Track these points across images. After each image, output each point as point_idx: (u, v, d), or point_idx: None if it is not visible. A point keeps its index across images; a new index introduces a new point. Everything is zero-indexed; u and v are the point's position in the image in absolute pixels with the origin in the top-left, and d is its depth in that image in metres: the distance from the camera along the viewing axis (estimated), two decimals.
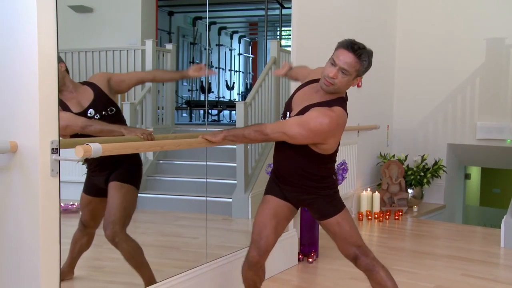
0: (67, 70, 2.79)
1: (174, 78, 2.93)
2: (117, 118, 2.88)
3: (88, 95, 2.82)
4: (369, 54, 2.46)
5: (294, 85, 4.01)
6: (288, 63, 3.11)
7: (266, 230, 2.64)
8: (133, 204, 2.91)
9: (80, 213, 3.01)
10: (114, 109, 2.86)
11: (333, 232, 2.61)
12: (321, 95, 2.51)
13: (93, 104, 2.80)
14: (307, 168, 2.56)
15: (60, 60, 2.51)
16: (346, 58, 2.40)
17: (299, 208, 2.82)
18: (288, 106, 2.62)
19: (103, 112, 2.81)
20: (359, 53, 2.42)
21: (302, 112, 2.48)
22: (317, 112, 2.42)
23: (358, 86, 2.29)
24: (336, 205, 2.62)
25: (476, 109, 6.52)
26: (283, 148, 2.59)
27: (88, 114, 2.79)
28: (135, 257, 2.84)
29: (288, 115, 2.57)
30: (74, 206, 3.53)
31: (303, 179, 2.59)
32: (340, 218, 2.59)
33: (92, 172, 2.95)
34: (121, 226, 2.77)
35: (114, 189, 2.81)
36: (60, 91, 2.52)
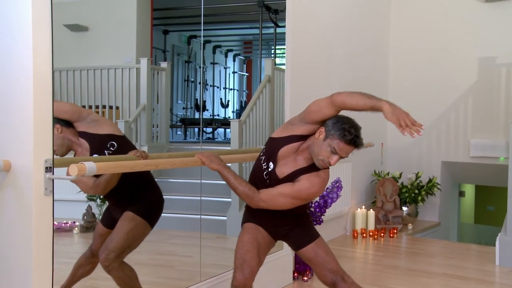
0: (71, 125, 2.77)
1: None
2: (123, 148, 2.80)
3: (85, 145, 2.78)
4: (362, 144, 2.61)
5: (288, 104, 4.03)
6: None
7: (249, 254, 2.64)
8: (139, 238, 2.88)
9: (92, 241, 2.98)
10: (114, 143, 2.79)
11: (310, 259, 2.69)
12: (306, 157, 2.59)
13: (92, 150, 2.76)
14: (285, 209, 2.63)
15: (55, 123, 2.47)
16: (348, 150, 2.54)
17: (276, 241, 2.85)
18: (273, 157, 2.62)
19: (105, 151, 2.76)
20: (359, 146, 2.56)
21: (290, 177, 2.56)
22: (308, 182, 2.54)
23: None
24: (310, 233, 2.72)
25: (469, 127, 6.56)
26: (258, 181, 2.67)
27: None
28: (129, 284, 2.82)
29: (272, 167, 2.61)
30: (68, 224, 3.51)
31: (280, 216, 2.67)
32: (316, 245, 2.68)
33: (112, 205, 2.95)
34: (117, 255, 2.74)
35: (125, 218, 2.80)
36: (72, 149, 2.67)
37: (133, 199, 2.84)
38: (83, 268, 2.96)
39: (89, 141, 2.76)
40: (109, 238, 2.77)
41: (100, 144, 2.75)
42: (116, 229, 2.79)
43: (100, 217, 2.96)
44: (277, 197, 2.53)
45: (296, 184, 2.54)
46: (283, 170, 2.59)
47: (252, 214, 2.76)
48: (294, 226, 2.72)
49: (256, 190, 2.56)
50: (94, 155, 2.74)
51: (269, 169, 2.62)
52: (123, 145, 2.82)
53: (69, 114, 2.76)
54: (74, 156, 2.79)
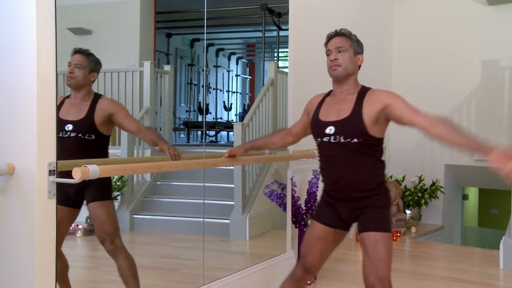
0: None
1: (156, 144, 2.95)
2: (95, 144, 2.84)
3: (80, 111, 2.83)
4: (350, 32, 2.69)
5: (291, 107, 4.03)
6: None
7: (311, 253, 2.63)
8: (116, 216, 2.95)
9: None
10: (93, 136, 2.82)
11: (366, 247, 2.47)
12: (346, 93, 2.54)
13: (76, 123, 2.79)
14: (365, 170, 2.50)
15: (95, 70, 2.79)
16: (334, 40, 2.62)
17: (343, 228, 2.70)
18: (322, 124, 2.54)
19: (80, 134, 2.79)
20: (342, 32, 2.66)
21: (354, 112, 2.46)
22: (380, 94, 2.51)
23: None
24: (383, 223, 2.50)
25: (472, 129, 6.53)
26: (336, 168, 2.54)
27: (66, 128, 2.78)
28: (132, 269, 2.86)
29: (330, 129, 2.50)
30: (71, 228, 3.51)
31: (362, 187, 2.50)
32: (381, 237, 2.45)
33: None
34: (118, 237, 2.84)
35: (96, 208, 2.84)
36: (73, 90, 2.73)
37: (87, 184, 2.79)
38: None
39: (86, 114, 2.83)
40: (99, 228, 2.83)
41: (86, 125, 2.81)
42: (100, 219, 2.84)
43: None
44: (413, 110, 2.44)
45: (387, 105, 2.43)
46: (342, 114, 2.49)
47: (328, 203, 2.62)
48: (372, 207, 2.50)
49: (443, 122, 2.37)
50: (68, 125, 2.77)
51: (332, 131, 2.50)
52: (96, 145, 2.87)
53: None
54: (62, 107, 2.82)
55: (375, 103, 2.46)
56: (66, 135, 2.77)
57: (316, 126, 2.59)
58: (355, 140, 2.45)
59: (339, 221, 2.61)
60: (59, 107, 2.76)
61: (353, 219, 2.59)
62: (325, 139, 2.52)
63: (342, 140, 2.47)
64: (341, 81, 2.55)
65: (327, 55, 2.61)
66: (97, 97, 2.88)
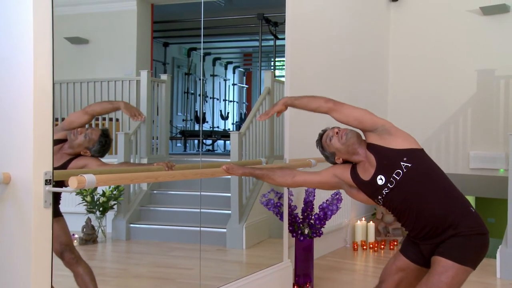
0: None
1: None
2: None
3: (59, 161, 2.84)
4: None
5: (288, 116, 4.04)
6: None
7: (388, 281, 2.58)
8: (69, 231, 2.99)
9: None
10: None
11: (431, 271, 2.32)
12: (363, 155, 2.56)
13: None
14: (426, 190, 2.41)
15: (93, 150, 2.85)
16: (328, 131, 2.69)
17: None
18: (369, 182, 2.52)
19: None
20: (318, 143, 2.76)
21: (380, 153, 2.49)
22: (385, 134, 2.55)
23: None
24: (463, 253, 2.31)
25: (468, 139, 6.56)
26: (400, 204, 2.44)
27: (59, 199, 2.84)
28: (91, 276, 2.90)
29: (380, 178, 2.47)
30: None
31: (444, 209, 2.36)
32: (451, 268, 2.27)
33: None
34: (74, 247, 2.90)
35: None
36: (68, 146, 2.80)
37: None
38: None
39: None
40: (56, 242, 2.83)
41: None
42: (56, 232, 2.82)
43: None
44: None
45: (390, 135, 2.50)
46: (374, 163, 2.50)
47: (412, 241, 2.53)
48: (455, 236, 2.32)
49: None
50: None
51: (382, 180, 2.45)
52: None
53: None
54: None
55: (366, 137, 2.58)
56: None
57: (368, 187, 2.53)
58: (403, 164, 2.39)
59: (423, 259, 2.49)
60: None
61: (434, 253, 2.40)
62: (384, 191, 2.45)
63: (398, 178, 2.40)
64: (356, 149, 2.56)
65: (329, 140, 2.63)
66: (78, 155, 2.92)
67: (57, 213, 2.89)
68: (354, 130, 2.61)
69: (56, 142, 2.82)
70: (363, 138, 2.61)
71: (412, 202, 2.40)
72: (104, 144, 2.93)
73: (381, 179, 2.44)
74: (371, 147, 2.52)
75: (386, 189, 2.44)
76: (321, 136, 2.72)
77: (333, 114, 2.61)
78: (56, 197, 2.91)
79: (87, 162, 2.90)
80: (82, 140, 2.88)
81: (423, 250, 2.46)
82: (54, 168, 2.76)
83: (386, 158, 2.44)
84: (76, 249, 2.94)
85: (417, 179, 2.40)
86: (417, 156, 2.44)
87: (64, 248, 2.87)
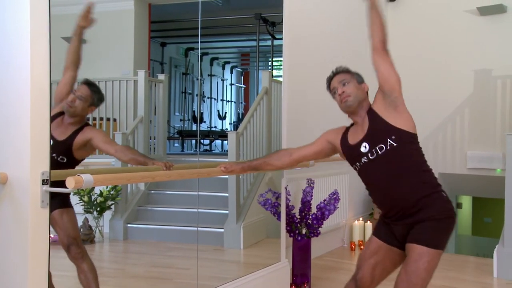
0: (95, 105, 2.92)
1: (138, 162, 2.98)
2: (63, 165, 2.85)
3: (62, 134, 2.86)
4: (347, 67, 2.74)
5: (285, 116, 4.04)
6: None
7: (364, 267, 2.59)
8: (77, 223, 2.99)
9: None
10: (65, 159, 2.85)
11: (408, 259, 2.37)
12: (363, 118, 2.56)
13: (56, 142, 2.79)
14: (412, 178, 2.45)
15: (95, 104, 2.85)
16: (336, 78, 2.64)
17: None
18: (354, 146, 2.55)
19: (53, 154, 2.80)
20: (341, 69, 2.70)
21: (377, 123, 2.50)
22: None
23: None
24: (436, 238, 2.37)
25: (466, 138, 6.57)
26: (384, 184, 2.48)
27: (58, 158, 2.80)
28: (94, 274, 2.89)
29: (364, 147, 2.50)
30: None
31: (413, 198, 2.41)
32: (427, 254, 2.33)
33: None
34: (81, 242, 2.89)
35: (60, 214, 2.85)
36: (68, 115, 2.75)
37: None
38: None
39: (68, 137, 2.84)
40: (63, 234, 2.86)
41: (62, 147, 2.81)
42: (62, 225, 2.86)
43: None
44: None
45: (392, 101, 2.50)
46: (365, 129, 2.53)
47: (384, 222, 2.57)
48: (426, 220, 2.38)
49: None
50: (56, 154, 2.75)
51: (366, 148, 2.49)
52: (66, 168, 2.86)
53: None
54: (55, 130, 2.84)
55: (377, 97, 2.56)
56: None
57: (351, 151, 2.58)
58: (389, 141, 2.42)
59: (395, 240, 2.53)
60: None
61: (406, 236, 2.45)
62: (363, 160, 2.50)
63: (379, 151, 2.44)
64: (356, 110, 2.57)
65: (333, 93, 2.63)
66: (84, 125, 2.91)
67: (65, 203, 2.90)
68: (359, 90, 2.60)
69: (56, 116, 2.83)
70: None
71: (384, 180, 2.46)
72: (98, 90, 2.91)
73: (365, 146, 2.49)
74: (371, 113, 2.54)
75: (365, 158, 2.48)
76: (330, 78, 2.69)
77: (374, 55, 2.67)
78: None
79: (92, 135, 2.87)
80: (81, 103, 2.84)
81: (395, 231, 2.50)
82: (60, 141, 2.79)
83: (378, 129, 2.48)
84: (83, 245, 2.91)
85: (395, 159, 2.43)
86: (406, 139, 2.46)
87: (71, 242, 2.86)
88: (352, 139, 2.58)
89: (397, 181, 2.44)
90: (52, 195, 2.68)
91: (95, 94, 2.90)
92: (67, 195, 2.93)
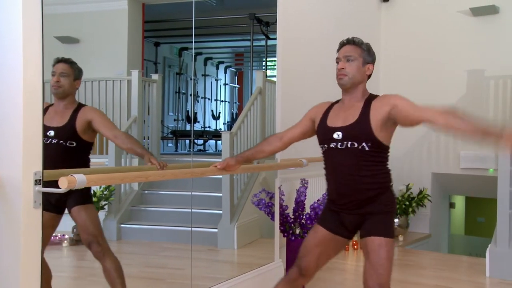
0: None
1: (136, 152, 2.94)
2: (76, 151, 2.85)
3: (62, 118, 2.85)
4: (363, 42, 2.65)
5: (279, 116, 4.04)
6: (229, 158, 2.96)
7: (308, 256, 2.62)
8: (99, 219, 2.96)
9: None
10: (74, 143, 2.83)
11: (368, 252, 2.48)
12: (355, 101, 2.55)
13: (58, 129, 2.80)
14: (371, 176, 2.51)
15: (79, 77, 2.80)
16: (345, 49, 2.60)
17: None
18: (330, 130, 2.55)
19: (61, 141, 2.80)
20: (353, 40, 2.62)
21: (361, 117, 2.48)
22: (386, 97, 2.52)
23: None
24: (387, 229, 2.50)
25: (459, 139, 6.59)
26: (341, 175, 2.54)
27: (48, 133, 2.78)
28: (119, 271, 2.85)
29: (338, 135, 2.51)
30: (57, 237, 3.47)
31: (367, 193, 2.49)
32: (384, 243, 2.45)
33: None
34: (104, 239, 2.84)
35: (79, 211, 2.84)
36: (58, 99, 2.76)
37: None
38: None
39: (70, 120, 2.83)
40: (84, 231, 2.83)
41: (67, 131, 2.81)
42: (82, 223, 2.84)
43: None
44: (415, 106, 2.45)
45: (393, 106, 2.45)
46: (349, 120, 2.51)
47: (332, 210, 2.62)
48: (375, 213, 2.50)
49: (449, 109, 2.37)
50: (51, 131, 2.78)
51: (339, 137, 2.51)
52: (76, 153, 2.87)
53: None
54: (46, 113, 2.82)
55: (383, 106, 2.48)
56: (48, 142, 2.77)
57: (324, 132, 2.59)
58: (363, 144, 2.45)
59: (342, 229, 2.61)
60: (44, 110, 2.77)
61: (357, 226, 2.58)
62: (332, 145, 2.53)
63: (350, 146, 2.48)
64: (348, 89, 2.57)
65: (337, 62, 2.62)
66: (80, 106, 2.90)
67: (85, 200, 2.87)
68: (359, 72, 2.57)
69: (45, 110, 2.82)
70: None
71: (346, 167, 2.50)
72: (74, 62, 2.88)
73: (338, 135, 2.51)
74: (365, 108, 2.50)
75: (334, 144, 2.52)
76: (342, 44, 2.66)
77: (440, 118, 2.41)
78: None
79: (93, 116, 2.85)
80: (66, 79, 2.83)
81: (345, 219, 2.57)
82: (62, 126, 2.78)
83: (359, 130, 2.48)
84: (106, 241, 2.87)
85: (362, 157, 2.48)
86: (379, 149, 2.50)
87: (90, 239, 2.82)
88: (331, 121, 2.58)
89: (358, 172, 2.50)
90: (69, 192, 2.69)
91: (74, 65, 2.88)
92: (86, 191, 2.90)
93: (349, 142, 2.48)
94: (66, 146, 2.79)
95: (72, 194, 2.79)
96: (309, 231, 2.74)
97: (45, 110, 2.82)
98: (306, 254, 2.63)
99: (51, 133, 2.79)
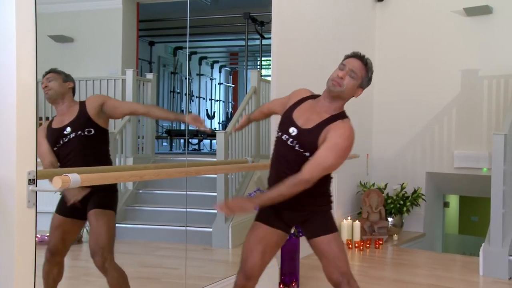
0: (73, 90, 2.88)
1: (168, 117, 2.93)
2: (95, 140, 2.84)
3: (72, 114, 2.83)
4: (372, 66, 2.63)
5: (274, 116, 4.03)
6: (245, 115, 3.20)
7: (252, 255, 2.62)
8: (115, 229, 2.89)
9: (47, 237, 2.91)
10: (92, 130, 2.82)
11: (322, 251, 2.59)
12: (326, 109, 2.55)
13: (72, 123, 2.80)
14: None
15: (69, 79, 2.77)
16: (355, 63, 2.55)
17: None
18: (290, 122, 2.58)
19: (79, 132, 2.78)
20: (366, 61, 2.59)
21: (320, 126, 2.50)
22: (337, 130, 2.48)
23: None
24: (330, 225, 2.63)
25: (453, 138, 6.61)
26: (282, 168, 2.58)
27: (65, 132, 2.78)
28: (122, 285, 2.79)
29: (293, 131, 2.54)
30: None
31: (304, 197, 2.52)
32: (332, 238, 2.59)
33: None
34: (109, 251, 2.75)
35: (98, 216, 2.78)
36: (56, 103, 2.76)
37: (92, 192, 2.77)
38: (51, 273, 2.85)
39: (79, 112, 2.82)
40: (93, 240, 2.75)
41: (82, 121, 2.81)
42: (95, 229, 2.77)
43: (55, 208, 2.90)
44: (319, 159, 2.43)
45: (328, 137, 2.46)
46: (308, 124, 2.53)
47: (270, 207, 2.63)
48: (315, 213, 2.62)
49: (295, 176, 2.44)
50: (67, 128, 2.78)
51: (293, 133, 2.54)
52: (97, 140, 2.87)
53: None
54: (53, 118, 2.85)
55: (327, 133, 2.49)
56: (67, 140, 2.78)
57: (285, 120, 2.62)
58: (307, 154, 2.50)
59: (281, 223, 2.67)
60: (49, 125, 2.82)
61: (295, 223, 2.72)
62: (284, 136, 2.57)
63: (297, 148, 2.52)
64: (331, 97, 2.55)
65: (339, 68, 2.55)
66: (83, 101, 2.89)
67: (107, 204, 2.83)
68: (351, 90, 2.57)
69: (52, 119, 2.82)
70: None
71: (284, 165, 2.56)
72: (61, 71, 2.87)
73: (293, 131, 2.55)
74: (331, 125, 2.51)
75: (286, 136, 2.55)
76: (351, 56, 2.60)
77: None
78: (112, 189, 2.88)
79: (103, 99, 2.87)
80: (54, 82, 2.81)
81: (285, 216, 2.65)
82: (74, 119, 2.79)
83: (309, 139, 2.51)
84: (112, 254, 2.77)
85: (298, 164, 2.49)
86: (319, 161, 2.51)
87: (97, 250, 2.72)
88: (297, 114, 2.59)
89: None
90: (92, 194, 2.69)
91: (60, 71, 2.86)
92: (111, 195, 2.88)
93: (298, 145, 2.53)
94: (85, 136, 2.78)
95: (94, 196, 2.78)
96: (248, 231, 2.74)
97: (49, 123, 2.82)
98: (250, 254, 2.63)
99: (68, 129, 2.78)
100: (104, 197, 2.83)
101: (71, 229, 2.85)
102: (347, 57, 2.60)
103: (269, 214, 2.66)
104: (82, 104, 2.85)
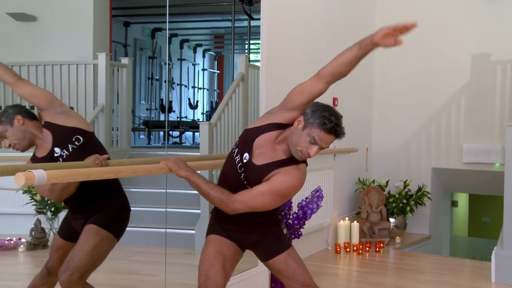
0: (28, 114, 2.80)
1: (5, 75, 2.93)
2: (89, 146, 2.81)
3: (47, 135, 2.80)
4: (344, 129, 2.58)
5: (263, 105, 4.03)
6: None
7: (213, 268, 2.64)
8: (105, 255, 2.84)
9: (48, 256, 2.92)
10: (81, 139, 2.80)
11: (280, 271, 2.70)
12: (284, 150, 2.57)
13: (55, 142, 2.78)
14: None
15: (13, 114, 2.70)
16: (329, 140, 2.51)
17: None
18: (248, 147, 2.60)
19: (69, 145, 2.75)
20: (340, 135, 2.52)
21: (268, 167, 2.54)
22: (286, 175, 2.52)
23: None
24: (282, 242, 2.75)
25: (462, 130, 6.63)
26: (225, 183, 2.65)
27: (55, 155, 2.76)
28: None
29: (247, 158, 2.58)
30: (12, 241, 3.42)
31: (250, 221, 2.66)
32: (287, 256, 2.70)
33: (71, 213, 2.91)
34: (81, 275, 2.69)
35: (89, 232, 2.76)
36: (32, 144, 2.75)
37: (96, 207, 2.82)
38: None
39: (53, 133, 2.78)
40: (70, 256, 2.71)
41: (64, 137, 2.77)
42: (78, 245, 2.74)
43: (58, 228, 2.91)
44: (255, 196, 2.51)
45: (274, 179, 2.51)
46: (260, 159, 2.57)
47: (219, 221, 2.74)
48: (265, 234, 2.72)
49: (230, 194, 2.53)
50: (56, 148, 2.75)
51: (244, 160, 2.59)
52: (90, 142, 2.84)
53: (40, 99, 2.79)
54: (35, 150, 2.81)
55: (273, 177, 2.54)
56: (64, 158, 2.77)
57: (247, 140, 2.62)
58: (248, 187, 2.57)
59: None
60: (34, 157, 2.80)
61: (246, 247, 2.79)
62: (237, 157, 2.62)
63: (242, 177, 2.58)
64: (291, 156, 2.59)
65: (312, 143, 2.47)
66: (45, 121, 2.85)
67: (107, 224, 2.81)
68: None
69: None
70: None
71: (231, 185, 2.61)
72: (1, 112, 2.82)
73: (246, 157, 2.59)
74: (270, 167, 2.56)
75: (239, 157, 2.62)
76: (329, 131, 2.48)
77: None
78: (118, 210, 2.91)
79: (45, 99, 2.81)
80: (12, 137, 2.76)
81: (231, 234, 2.73)
82: (54, 133, 2.74)
83: (256, 175, 2.57)
84: (81, 281, 2.68)
85: (234, 186, 2.58)
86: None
87: (65, 269, 2.67)
88: (259, 143, 2.59)
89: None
90: (95, 212, 2.75)
91: (3, 116, 2.79)
92: (118, 216, 2.90)
93: (243, 174, 2.58)
94: (78, 147, 2.78)
95: (98, 213, 2.81)
96: (203, 247, 2.78)
97: (33, 155, 2.81)
98: (209, 268, 2.65)
99: (57, 150, 2.77)
100: (108, 215, 2.84)
101: (66, 248, 2.86)
102: (322, 129, 2.45)
103: (220, 229, 2.75)
104: (47, 123, 2.82)
